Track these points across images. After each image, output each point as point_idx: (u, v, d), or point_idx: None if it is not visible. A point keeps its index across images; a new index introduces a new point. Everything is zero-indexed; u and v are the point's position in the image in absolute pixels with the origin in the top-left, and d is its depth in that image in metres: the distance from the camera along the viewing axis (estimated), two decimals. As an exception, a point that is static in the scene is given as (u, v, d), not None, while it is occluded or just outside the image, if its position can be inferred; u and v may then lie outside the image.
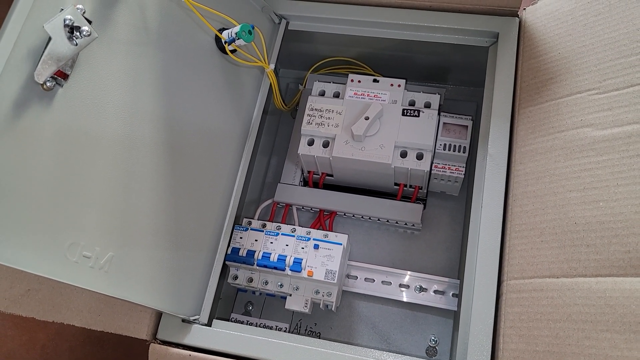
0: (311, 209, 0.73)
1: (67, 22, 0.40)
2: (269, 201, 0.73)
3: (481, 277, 0.54)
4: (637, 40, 0.52)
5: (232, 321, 0.69)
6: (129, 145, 0.50)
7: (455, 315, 0.65)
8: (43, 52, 0.39)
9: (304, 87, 0.78)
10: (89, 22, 0.43)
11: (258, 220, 0.69)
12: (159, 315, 0.58)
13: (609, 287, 0.44)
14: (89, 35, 0.42)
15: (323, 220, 0.72)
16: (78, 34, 0.41)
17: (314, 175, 0.72)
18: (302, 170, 0.73)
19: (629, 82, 0.51)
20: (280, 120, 0.83)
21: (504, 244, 0.54)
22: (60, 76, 0.41)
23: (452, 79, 0.79)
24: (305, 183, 0.74)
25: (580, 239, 0.48)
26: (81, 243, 0.45)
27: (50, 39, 0.40)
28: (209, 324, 0.59)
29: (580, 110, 0.53)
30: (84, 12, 0.42)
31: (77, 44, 0.41)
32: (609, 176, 0.48)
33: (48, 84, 0.40)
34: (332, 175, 0.71)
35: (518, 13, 0.65)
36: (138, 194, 0.51)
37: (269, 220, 0.71)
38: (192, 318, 0.57)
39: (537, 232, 0.51)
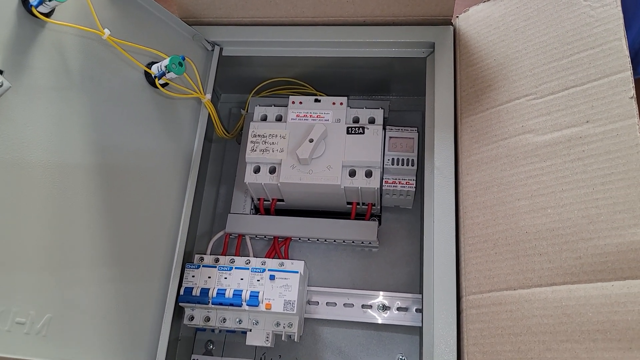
0: (265, 237, 0.71)
1: (-29, 76, 0.38)
2: (221, 233, 0.70)
3: (440, 294, 0.53)
4: (567, 43, 0.52)
5: (193, 363, 0.66)
6: (61, 192, 0.47)
7: (420, 332, 0.64)
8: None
9: (247, 111, 0.76)
10: (0, 71, 0.40)
11: (211, 254, 0.66)
12: (111, 370, 0.55)
13: (565, 296, 0.44)
14: (1, 85, 0.39)
15: (278, 247, 0.70)
16: (-14, 87, 0.38)
17: (265, 202, 0.70)
18: (252, 198, 0.71)
19: (563, 85, 0.51)
20: (226, 147, 0.80)
21: (459, 258, 0.53)
22: (-30, 135, 0.38)
23: (395, 89, 0.78)
24: (257, 210, 0.72)
25: (532, 248, 0.47)
26: (12, 309, 0.42)
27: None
28: (165, 373, 0.56)
29: (520, 117, 0.53)
30: (-9, 64, 0.40)
31: (-15, 99, 0.38)
32: (554, 182, 0.48)
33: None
34: (283, 200, 0.69)
35: (452, 21, 0.65)
36: (75, 242, 0.48)
37: (222, 254, 0.68)
38: (146, 370, 0.55)
39: (491, 244, 0.50)
